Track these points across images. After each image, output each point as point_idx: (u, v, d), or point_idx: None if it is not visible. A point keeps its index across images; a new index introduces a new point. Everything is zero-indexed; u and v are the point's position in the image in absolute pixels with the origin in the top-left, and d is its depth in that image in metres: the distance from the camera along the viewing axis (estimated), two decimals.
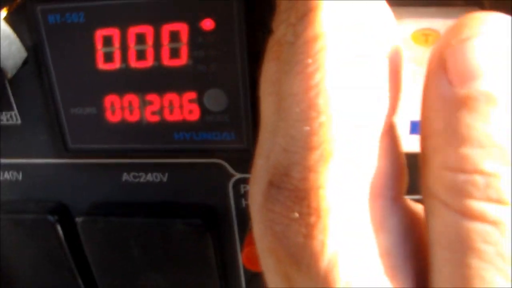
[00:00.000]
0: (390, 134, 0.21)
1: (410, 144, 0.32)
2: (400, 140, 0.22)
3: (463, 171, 0.17)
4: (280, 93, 0.21)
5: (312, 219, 0.19)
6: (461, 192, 0.17)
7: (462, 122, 0.18)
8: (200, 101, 0.36)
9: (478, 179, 0.17)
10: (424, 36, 0.30)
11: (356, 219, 0.19)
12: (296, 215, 0.19)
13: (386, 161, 0.21)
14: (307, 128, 0.19)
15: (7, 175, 0.45)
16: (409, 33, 0.30)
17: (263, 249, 0.21)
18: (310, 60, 0.20)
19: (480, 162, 0.17)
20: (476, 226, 0.17)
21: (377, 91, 0.20)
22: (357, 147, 0.20)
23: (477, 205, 0.17)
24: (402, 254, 0.20)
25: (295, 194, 0.19)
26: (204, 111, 0.37)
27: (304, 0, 0.21)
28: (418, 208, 0.23)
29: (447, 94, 0.18)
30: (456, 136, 0.18)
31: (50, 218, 0.44)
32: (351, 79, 0.20)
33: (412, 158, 0.31)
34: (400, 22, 0.30)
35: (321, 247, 0.19)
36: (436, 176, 0.18)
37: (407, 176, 0.22)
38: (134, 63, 0.36)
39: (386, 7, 0.22)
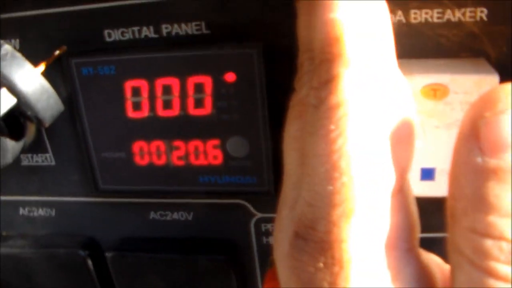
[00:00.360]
0: (404, 192, 0.23)
1: (421, 189, 0.34)
2: (412, 196, 0.24)
3: (491, 237, 0.19)
4: (304, 151, 0.24)
5: (336, 269, 0.21)
6: (488, 255, 0.19)
7: (491, 191, 0.19)
8: (223, 148, 0.39)
9: (504, 245, 0.19)
10: (433, 91, 0.32)
11: (375, 269, 0.22)
12: (321, 265, 0.22)
13: (400, 216, 0.23)
14: (331, 187, 0.21)
15: (41, 211, 0.47)
16: (419, 88, 0.32)
17: None
18: (333, 126, 0.22)
19: (507, 230, 0.19)
20: (499, 285, 0.19)
21: (395, 153, 0.22)
22: (375, 205, 0.22)
23: (502, 267, 0.19)
24: None
25: (320, 246, 0.22)
26: (227, 156, 0.39)
27: (326, 67, 0.23)
28: (430, 258, 0.25)
29: (478, 162, 0.20)
30: (485, 204, 0.19)
31: (81, 252, 0.47)
32: (370, 144, 0.22)
33: (422, 202, 0.33)
34: (411, 77, 0.32)
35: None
36: (464, 237, 0.20)
37: (419, 229, 0.24)
38: (161, 112, 0.39)
39: (400, 75, 0.25)
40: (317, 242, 0.22)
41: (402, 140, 0.23)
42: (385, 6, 0.25)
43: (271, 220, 0.43)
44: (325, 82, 0.23)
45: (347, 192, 0.21)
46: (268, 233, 0.44)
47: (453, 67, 0.33)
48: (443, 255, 0.38)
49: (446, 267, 0.25)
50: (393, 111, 0.23)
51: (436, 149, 0.33)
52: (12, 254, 0.48)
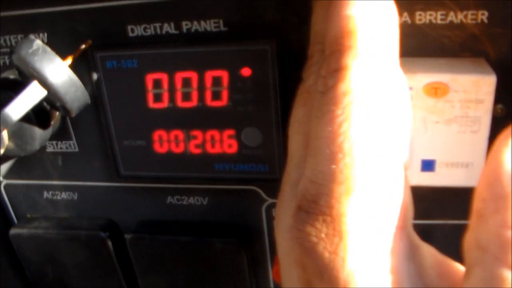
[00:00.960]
0: (401, 175, 0.26)
1: (422, 179, 0.37)
2: (408, 182, 0.26)
3: None
4: (309, 134, 0.27)
5: (336, 239, 0.24)
6: None
7: None
8: (238, 137, 0.41)
9: None
10: (434, 89, 0.34)
11: (370, 242, 0.24)
12: (323, 235, 0.24)
13: (396, 197, 0.25)
14: (334, 166, 0.24)
15: (64, 195, 0.50)
16: (421, 86, 0.34)
17: (289, 261, 0.26)
18: (339, 112, 0.25)
19: None
20: None
21: (392, 140, 0.25)
22: (374, 184, 0.24)
23: None
24: (407, 272, 0.25)
25: (323, 218, 0.24)
26: (241, 146, 0.41)
27: (336, 57, 0.26)
28: (423, 243, 0.27)
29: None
30: None
31: (102, 234, 0.49)
32: (373, 130, 0.25)
33: (423, 191, 0.36)
34: (414, 75, 0.34)
35: (342, 262, 0.24)
36: (491, 234, 0.22)
37: (412, 211, 0.27)
38: (180, 103, 0.41)
39: (401, 72, 0.27)
40: (319, 215, 0.24)
41: (400, 129, 0.26)
42: (394, 9, 0.28)
43: None
44: (335, 70, 0.25)
45: (349, 171, 0.24)
46: None
47: (454, 66, 0.35)
48: (442, 240, 0.41)
49: (439, 256, 0.27)
50: (394, 103, 0.26)
51: (436, 142, 0.35)
52: (36, 235, 0.51)
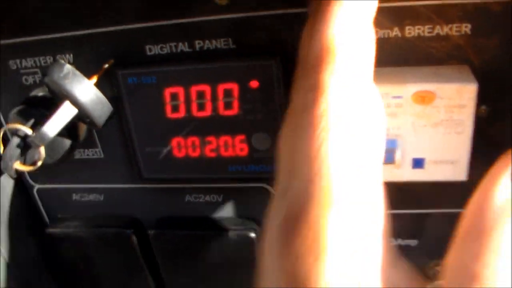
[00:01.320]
0: (380, 186, 0.27)
1: (413, 175, 0.41)
2: (383, 193, 0.28)
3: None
4: (292, 153, 0.28)
5: (316, 252, 0.24)
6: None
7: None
8: (248, 142, 0.46)
9: None
10: (421, 97, 0.38)
11: (350, 257, 0.25)
12: (304, 251, 0.25)
13: (371, 208, 0.26)
14: (313, 187, 0.25)
15: (91, 197, 0.55)
16: (410, 95, 0.38)
17: (274, 267, 0.26)
18: (317, 130, 0.26)
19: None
20: None
21: (368, 161, 0.27)
22: (352, 199, 0.26)
23: None
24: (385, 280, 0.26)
25: (305, 232, 0.25)
26: (251, 149, 0.46)
27: (315, 72, 0.27)
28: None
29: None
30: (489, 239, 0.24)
31: (127, 231, 0.54)
32: (350, 145, 0.26)
33: (414, 185, 0.40)
34: (404, 85, 0.38)
35: (318, 275, 0.24)
36: (462, 263, 0.24)
37: (387, 221, 0.28)
38: (195, 113, 0.46)
39: (374, 87, 0.29)
40: (302, 229, 0.25)
41: (373, 143, 0.28)
42: (372, 30, 0.30)
43: None
44: (313, 86, 0.27)
45: (326, 192, 0.25)
46: None
47: (440, 75, 0.39)
48: (433, 226, 0.46)
49: (413, 273, 0.28)
50: (369, 116, 0.28)
51: (425, 143, 0.40)
52: (67, 233, 0.56)
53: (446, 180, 0.41)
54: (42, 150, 0.43)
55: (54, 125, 0.42)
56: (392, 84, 0.38)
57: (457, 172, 0.41)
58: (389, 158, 0.41)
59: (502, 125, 0.41)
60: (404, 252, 0.43)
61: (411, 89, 0.38)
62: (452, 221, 0.28)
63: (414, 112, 0.39)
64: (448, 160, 0.41)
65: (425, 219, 0.48)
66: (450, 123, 0.39)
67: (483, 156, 0.36)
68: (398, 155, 0.41)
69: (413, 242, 0.50)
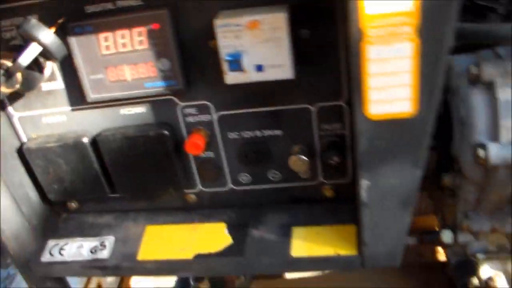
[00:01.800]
0: None
1: (257, 77, 0.66)
2: None
3: None
4: None
5: None
6: None
7: None
8: (157, 66, 0.71)
9: None
10: (252, 24, 0.63)
11: None
12: None
13: None
14: None
15: (56, 119, 0.79)
16: (245, 23, 0.63)
17: None
18: None
19: None
20: None
21: None
22: None
23: None
24: None
25: None
26: (159, 70, 0.71)
27: None
28: None
29: None
30: None
31: (84, 140, 0.78)
32: None
33: (258, 85, 0.66)
34: (240, 17, 0.63)
35: None
36: None
37: None
38: (120, 49, 0.70)
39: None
40: None
41: None
42: None
43: None
44: None
45: None
46: None
47: (263, 10, 0.64)
48: (290, 119, 0.71)
49: None
50: None
51: (261, 54, 0.65)
52: (39, 147, 0.79)
53: (278, 79, 0.66)
54: (19, 76, 0.67)
55: (26, 58, 0.66)
56: (234, 17, 0.63)
57: (285, 72, 0.66)
58: (239, 67, 0.66)
59: (319, 43, 0.66)
60: (270, 141, 0.69)
61: (245, 19, 0.63)
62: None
63: (251, 34, 0.64)
64: (278, 65, 0.66)
65: (281, 113, 0.73)
66: (273, 39, 0.64)
67: (304, 61, 0.62)
68: (244, 64, 0.65)
69: (278, 132, 0.75)
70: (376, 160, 0.63)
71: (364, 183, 0.66)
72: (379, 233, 0.71)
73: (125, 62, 0.71)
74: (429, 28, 0.53)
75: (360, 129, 0.61)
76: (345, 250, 0.75)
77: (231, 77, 0.67)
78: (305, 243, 0.77)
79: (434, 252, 1.22)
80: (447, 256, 0.98)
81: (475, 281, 0.96)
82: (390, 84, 0.58)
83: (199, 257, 0.79)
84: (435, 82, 0.57)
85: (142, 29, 0.69)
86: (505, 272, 0.96)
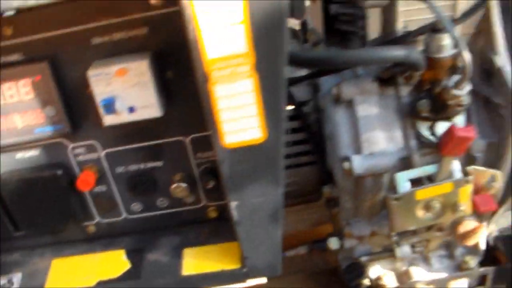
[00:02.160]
0: None
1: (130, 117, 0.75)
2: None
3: None
4: None
5: None
6: None
7: None
8: (44, 113, 0.78)
9: None
10: (121, 72, 0.72)
11: None
12: None
13: None
14: None
15: None
16: (114, 71, 0.72)
17: None
18: None
19: None
20: None
21: None
22: None
23: None
24: None
25: None
26: (46, 117, 0.78)
27: None
28: None
29: None
30: None
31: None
32: None
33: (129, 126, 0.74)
34: (109, 67, 0.72)
35: None
36: None
37: None
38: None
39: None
40: None
41: None
42: None
43: None
44: None
45: None
46: None
47: (124, 58, 0.73)
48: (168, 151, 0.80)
49: None
50: None
51: (132, 97, 0.73)
52: None
53: (151, 117, 0.75)
54: None
55: None
56: (105, 66, 0.71)
57: (155, 111, 0.74)
58: (113, 110, 0.74)
59: (183, 82, 0.75)
60: (153, 172, 0.77)
61: (114, 68, 0.72)
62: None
63: (121, 80, 0.72)
64: (147, 105, 0.74)
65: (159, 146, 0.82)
66: (140, 83, 0.73)
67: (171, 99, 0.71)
68: (118, 107, 0.74)
69: (159, 163, 0.84)
70: (240, 182, 0.73)
71: (233, 204, 0.75)
72: (255, 246, 0.80)
73: (15, 111, 0.78)
74: (265, 64, 0.62)
75: (221, 157, 0.70)
76: (230, 265, 0.84)
77: (108, 119, 0.75)
78: (195, 262, 0.86)
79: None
80: (338, 261, 1.08)
81: (366, 282, 1.07)
82: (239, 116, 0.68)
83: (101, 283, 0.86)
84: (279, 109, 0.67)
85: (27, 80, 0.76)
86: (395, 270, 1.06)
